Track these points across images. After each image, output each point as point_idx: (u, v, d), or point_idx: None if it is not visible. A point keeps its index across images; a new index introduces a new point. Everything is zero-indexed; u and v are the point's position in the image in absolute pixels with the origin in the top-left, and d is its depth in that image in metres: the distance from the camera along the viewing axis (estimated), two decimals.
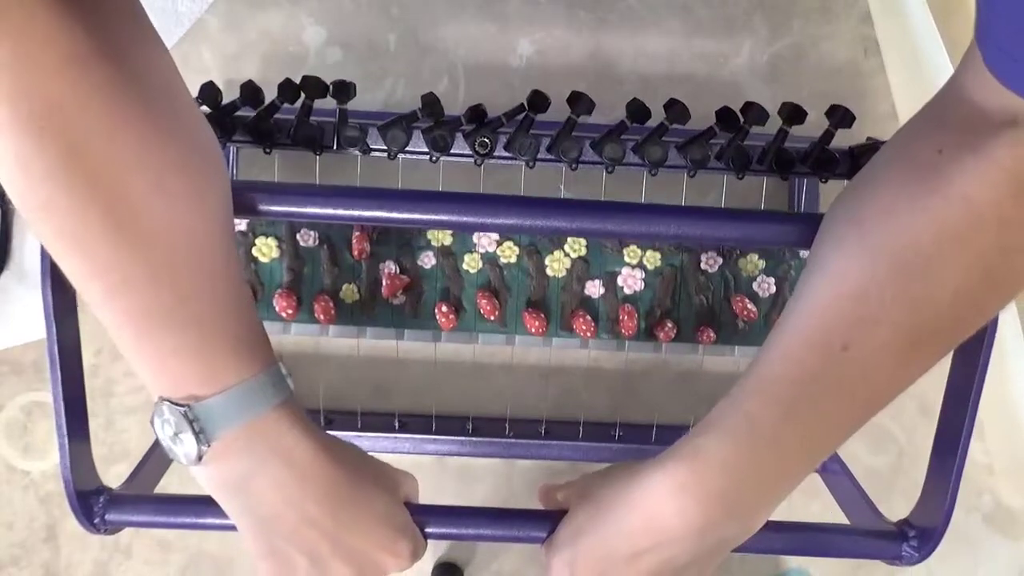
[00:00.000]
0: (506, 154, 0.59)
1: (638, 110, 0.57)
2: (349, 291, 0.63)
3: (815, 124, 0.60)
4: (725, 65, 0.79)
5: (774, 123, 0.60)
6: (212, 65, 0.76)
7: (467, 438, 0.70)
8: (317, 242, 0.63)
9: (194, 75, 0.75)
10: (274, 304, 0.62)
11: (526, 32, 0.77)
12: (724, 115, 0.57)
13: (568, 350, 0.66)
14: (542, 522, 0.53)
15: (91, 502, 0.53)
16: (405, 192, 0.53)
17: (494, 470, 0.76)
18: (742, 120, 0.57)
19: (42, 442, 0.75)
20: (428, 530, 0.53)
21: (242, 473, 0.45)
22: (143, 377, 0.44)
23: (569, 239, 0.63)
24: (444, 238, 0.63)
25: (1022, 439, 0.76)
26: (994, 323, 0.53)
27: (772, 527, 0.51)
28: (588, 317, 0.63)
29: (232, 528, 0.51)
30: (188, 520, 0.54)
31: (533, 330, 0.63)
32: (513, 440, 0.70)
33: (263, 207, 0.51)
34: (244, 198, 0.50)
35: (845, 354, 0.44)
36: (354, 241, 0.62)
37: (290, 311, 0.62)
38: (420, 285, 0.64)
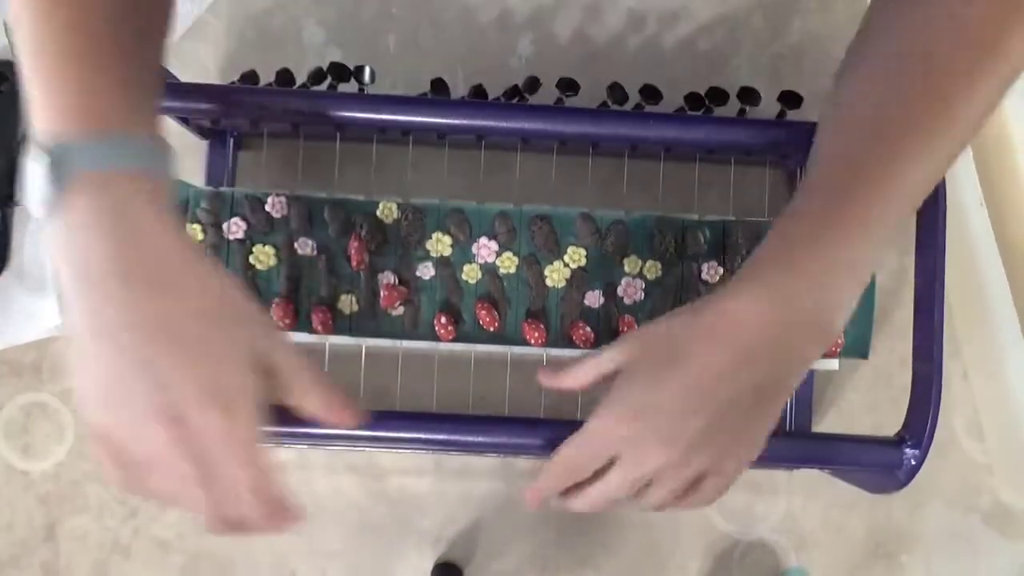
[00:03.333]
0: None
1: (618, 92, 0.64)
2: (347, 302, 0.63)
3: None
4: (725, 65, 0.78)
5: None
6: (212, 65, 0.76)
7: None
8: (315, 251, 0.63)
9: (193, 74, 0.75)
10: (271, 314, 0.62)
11: (526, 32, 0.77)
12: (691, 97, 0.66)
13: (567, 352, 0.66)
14: (540, 428, 0.55)
15: None
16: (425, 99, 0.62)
17: (493, 471, 0.76)
18: (707, 101, 0.66)
19: (42, 442, 0.75)
20: (416, 435, 0.54)
21: (79, 225, 0.42)
22: (35, 114, 0.44)
23: (569, 249, 0.63)
24: (443, 249, 0.63)
25: (1022, 439, 0.76)
26: (943, 213, 0.59)
27: (779, 436, 0.52)
28: (588, 328, 0.63)
29: None
30: None
31: (532, 341, 0.63)
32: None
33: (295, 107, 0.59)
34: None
35: (880, 143, 0.49)
36: (352, 251, 0.62)
37: (287, 321, 0.62)
38: (419, 296, 0.63)
